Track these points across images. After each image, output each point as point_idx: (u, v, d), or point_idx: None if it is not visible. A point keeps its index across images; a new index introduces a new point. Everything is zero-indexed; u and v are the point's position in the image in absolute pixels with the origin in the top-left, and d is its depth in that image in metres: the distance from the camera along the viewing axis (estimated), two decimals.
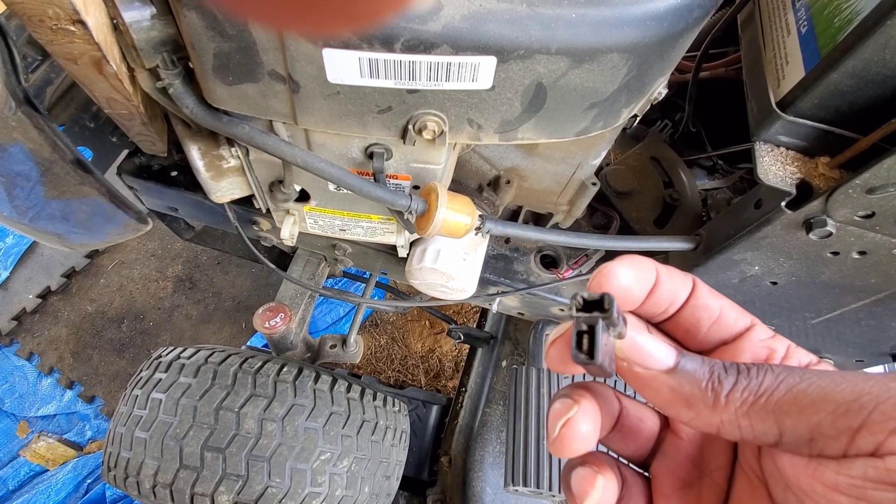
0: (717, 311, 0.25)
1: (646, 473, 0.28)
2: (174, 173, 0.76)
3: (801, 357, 0.24)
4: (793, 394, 0.20)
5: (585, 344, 0.20)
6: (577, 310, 0.21)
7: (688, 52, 0.62)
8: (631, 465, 0.29)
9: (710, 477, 0.26)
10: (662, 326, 0.26)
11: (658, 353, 0.23)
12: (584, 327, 0.20)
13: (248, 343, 1.76)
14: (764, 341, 0.25)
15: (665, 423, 0.29)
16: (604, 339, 0.20)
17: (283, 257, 1.09)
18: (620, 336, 0.22)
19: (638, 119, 0.98)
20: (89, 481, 1.55)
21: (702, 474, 0.27)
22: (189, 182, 0.73)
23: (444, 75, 0.39)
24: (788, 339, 0.25)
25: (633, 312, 0.25)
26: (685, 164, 0.87)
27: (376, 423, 0.79)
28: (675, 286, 0.25)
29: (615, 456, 0.28)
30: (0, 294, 1.85)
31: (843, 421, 0.19)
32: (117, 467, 0.71)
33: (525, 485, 0.57)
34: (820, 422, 0.19)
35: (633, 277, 0.24)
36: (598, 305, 0.21)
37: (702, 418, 0.22)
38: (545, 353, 0.25)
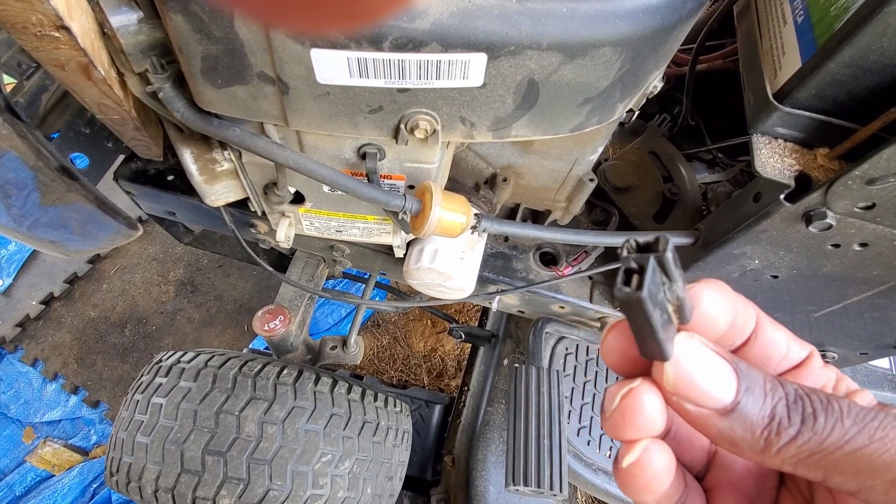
0: (785, 346, 0.22)
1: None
2: (170, 177, 0.75)
3: (849, 385, 0.22)
4: (855, 456, 0.18)
5: (635, 281, 0.17)
6: (629, 252, 0.18)
7: (684, 44, 0.61)
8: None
9: (766, 494, 0.24)
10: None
11: (716, 386, 0.19)
12: (634, 265, 0.18)
13: (251, 346, 1.76)
14: (821, 371, 0.22)
15: None
16: (656, 286, 0.18)
17: (282, 259, 1.09)
18: (679, 303, 0.19)
19: (636, 114, 0.98)
20: (95, 486, 1.56)
21: (760, 491, 0.25)
22: (185, 186, 0.73)
23: (434, 73, 0.38)
24: (835, 368, 0.23)
25: None
26: (684, 157, 0.87)
27: (378, 423, 0.79)
28: (746, 319, 0.22)
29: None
30: (3, 301, 1.86)
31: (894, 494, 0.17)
32: (119, 472, 0.71)
33: (526, 484, 0.57)
34: (873, 487, 0.18)
35: (721, 307, 0.21)
36: (652, 249, 0.18)
37: (742, 455, 0.20)
38: (601, 346, 0.22)
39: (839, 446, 0.18)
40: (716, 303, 0.21)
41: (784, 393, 0.19)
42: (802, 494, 0.23)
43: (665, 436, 0.25)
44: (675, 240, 0.63)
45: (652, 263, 0.18)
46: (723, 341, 0.22)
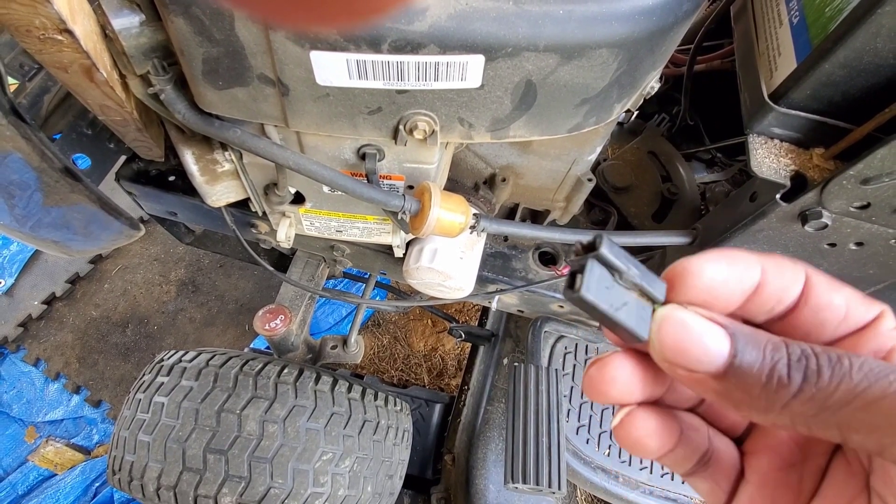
0: (844, 309, 0.21)
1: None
2: (172, 178, 0.76)
3: None
4: (869, 412, 0.17)
5: (578, 281, 0.19)
6: (575, 255, 0.20)
7: (682, 45, 0.61)
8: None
9: (813, 460, 0.23)
10: (769, 327, 0.22)
11: (705, 351, 0.19)
12: (577, 267, 0.19)
13: (252, 345, 1.77)
14: (892, 333, 0.21)
15: None
16: (603, 281, 0.19)
17: (282, 259, 1.10)
18: (641, 288, 0.20)
19: (634, 115, 0.98)
20: (97, 485, 1.56)
21: (805, 457, 0.23)
22: (187, 186, 0.73)
23: (432, 75, 0.39)
24: None
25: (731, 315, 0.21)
26: (683, 157, 0.87)
27: (378, 422, 0.80)
28: (784, 283, 0.21)
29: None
30: (6, 301, 1.87)
31: None
32: (122, 470, 0.71)
33: (525, 482, 0.58)
34: (894, 443, 0.17)
35: (725, 275, 0.20)
36: (593, 248, 0.20)
37: (748, 416, 0.19)
38: (583, 383, 0.23)
39: (848, 401, 0.17)
40: (719, 273, 0.20)
41: (787, 352, 0.18)
42: (861, 463, 0.21)
43: (700, 403, 0.25)
44: (671, 239, 0.63)
45: (590, 263, 0.19)
46: (754, 309, 0.21)
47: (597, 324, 0.83)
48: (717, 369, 0.19)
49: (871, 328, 0.21)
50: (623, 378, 0.21)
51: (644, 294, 0.20)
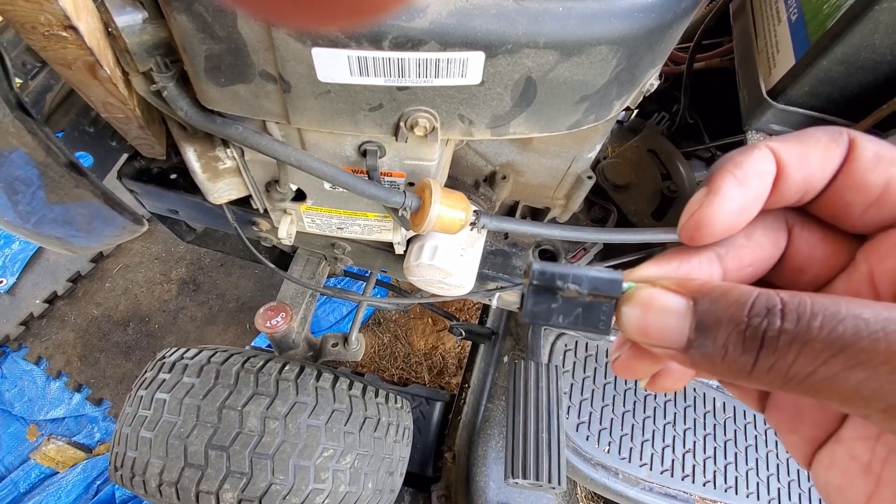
0: (877, 191, 0.19)
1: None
2: (173, 176, 0.76)
3: None
4: (832, 384, 0.15)
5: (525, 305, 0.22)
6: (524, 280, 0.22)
7: (681, 43, 0.62)
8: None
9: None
10: (806, 208, 0.21)
11: (667, 331, 0.19)
12: (523, 292, 0.22)
13: (253, 343, 1.77)
14: None
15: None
16: (547, 300, 0.21)
17: (283, 257, 1.10)
18: (593, 293, 0.21)
19: (635, 113, 0.99)
20: (99, 483, 1.57)
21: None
22: (188, 184, 0.74)
23: (433, 72, 0.39)
24: None
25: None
26: (683, 155, 0.87)
27: (378, 419, 0.80)
28: (811, 170, 0.19)
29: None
30: (7, 300, 1.87)
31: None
32: (124, 467, 0.72)
33: (525, 477, 0.58)
34: (869, 416, 0.15)
35: (741, 205, 0.19)
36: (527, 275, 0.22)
37: (728, 382, 0.19)
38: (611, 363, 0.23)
39: (807, 375, 0.15)
40: (732, 215, 0.20)
41: (744, 318, 0.17)
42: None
43: (778, 267, 0.23)
44: (670, 236, 0.63)
45: (526, 291, 0.21)
46: (776, 201, 0.20)
47: None
48: (680, 346, 0.19)
49: None
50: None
51: (598, 296, 0.21)
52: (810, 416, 0.22)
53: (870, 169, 0.19)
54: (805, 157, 0.19)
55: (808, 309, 0.16)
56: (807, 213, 0.22)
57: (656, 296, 0.20)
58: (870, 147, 0.19)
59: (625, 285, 0.21)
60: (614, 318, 0.21)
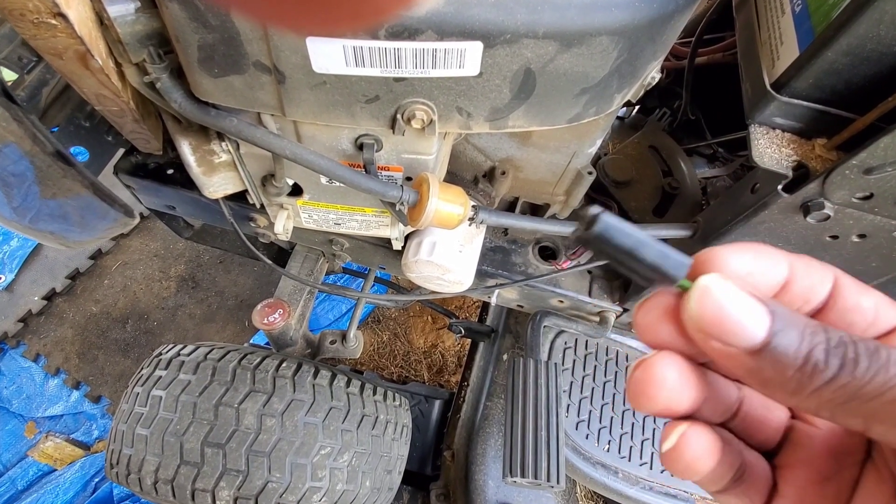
0: (873, 312, 0.21)
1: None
2: (170, 171, 0.76)
3: None
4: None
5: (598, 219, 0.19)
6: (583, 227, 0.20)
7: (683, 37, 0.61)
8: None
9: (847, 471, 0.23)
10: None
11: (745, 324, 0.18)
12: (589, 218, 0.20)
13: (251, 341, 1.77)
14: None
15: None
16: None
17: (281, 254, 1.10)
18: (641, 247, 0.19)
19: (636, 109, 0.98)
20: (97, 480, 1.56)
21: (839, 468, 0.23)
22: (185, 179, 0.73)
23: (430, 62, 0.38)
24: None
25: None
26: (684, 152, 0.86)
27: (377, 417, 0.79)
28: (812, 282, 0.21)
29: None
30: (6, 297, 1.87)
31: None
32: (119, 464, 0.71)
33: (523, 475, 0.57)
34: None
35: (751, 268, 0.20)
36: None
37: (774, 396, 0.19)
38: (634, 321, 0.22)
39: (880, 392, 0.17)
40: (744, 265, 0.20)
41: (826, 338, 0.18)
42: (890, 469, 0.21)
43: (733, 417, 0.24)
44: (672, 232, 0.63)
45: (579, 233, 0.19)
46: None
47: (597, 319, 0.83)
48: (753, 346, 0.18)
49: None
50: (672, 379, 0.20)
51: (656, 270, 0.19)
52: None
53: (860, 293, 0.21)
54: (810, 269, 0.21)
55: (873, 344, 0.18)
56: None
57: (737, 290, 0.19)
58: (847, 276, 0.21)
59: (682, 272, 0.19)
60: (662, 297, 0.20)
